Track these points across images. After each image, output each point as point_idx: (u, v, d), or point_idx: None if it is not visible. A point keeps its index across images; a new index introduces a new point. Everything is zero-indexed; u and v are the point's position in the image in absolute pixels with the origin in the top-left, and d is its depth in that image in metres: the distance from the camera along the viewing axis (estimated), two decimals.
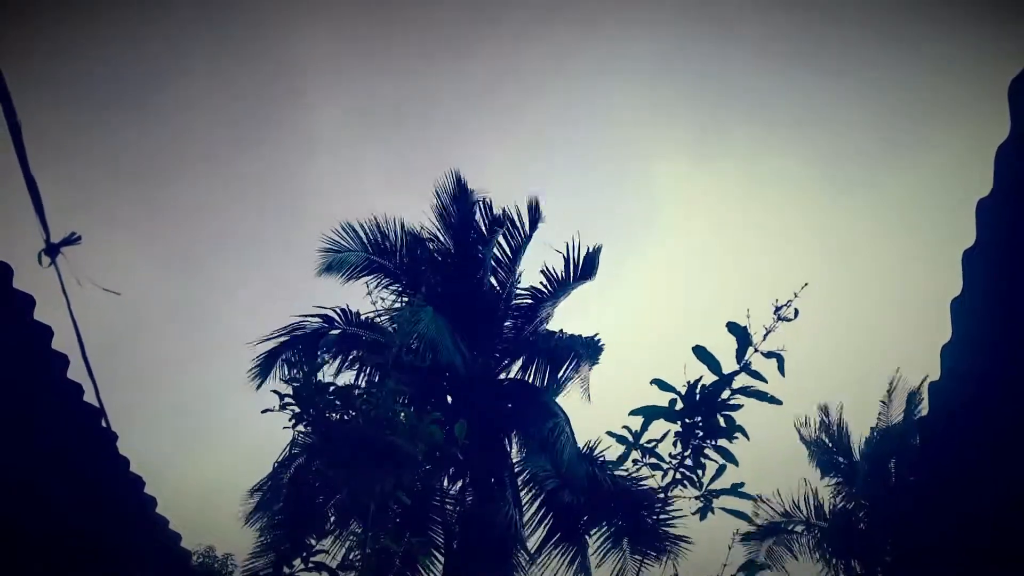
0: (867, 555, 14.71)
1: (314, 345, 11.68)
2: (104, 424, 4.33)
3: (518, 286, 13.52)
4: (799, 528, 15.61)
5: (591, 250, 13.36)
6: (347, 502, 4.97)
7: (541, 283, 13.44)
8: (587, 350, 12.93)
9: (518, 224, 13.33)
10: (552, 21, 22.26)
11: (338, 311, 12.09)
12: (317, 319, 11.96)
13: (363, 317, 12.32)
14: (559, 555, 11.83)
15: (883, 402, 15.98)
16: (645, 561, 11.33)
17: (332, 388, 5.04)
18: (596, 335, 13.15)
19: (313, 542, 4.70)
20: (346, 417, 5.00)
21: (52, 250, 3.39)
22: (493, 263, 13.33)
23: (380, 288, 13.10)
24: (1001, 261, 3.08)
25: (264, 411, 5.00)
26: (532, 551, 11.83)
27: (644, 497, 11.42)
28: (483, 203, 13.42)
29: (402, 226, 13.31)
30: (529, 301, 13.51)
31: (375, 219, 13.18)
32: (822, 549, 15.12)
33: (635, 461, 4.60)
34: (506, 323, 13.41)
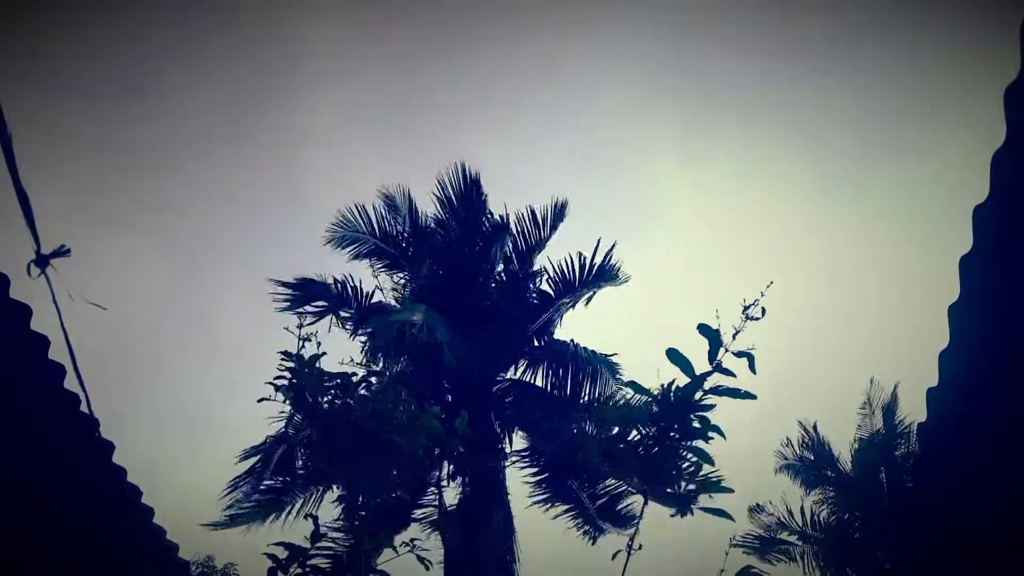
0: (863, 565, 14.73)
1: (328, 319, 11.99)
2: (98, 434, 4.32)
3: (529, 286, 13.40)
4: (794, 538, 15.63)
5: (608, 255, 12.92)
6: (346, 498, 4.90)
7: (550, 285, 13.30)
8: (605, 366, 12.68)
9: (536, 224, 13.14)
10: (545, 21, 22.36)
11: (351, 289, 12.15)
12: (332, 280, 12.15)
13: (373, 301, 12.60)
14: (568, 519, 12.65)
15: (861, 412, 16.07)
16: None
17: (328, 377, 4.92)
18: (612, 354, 12.90)
19: (307, 545, 4.60)
20: (347, 403, 4.89)
21: (42, 261, 3.39)
22: (502, 261, 13.26)
23: (384, 274, 13.15)
24: (998, 267, 3.10)
25: (260, 400, 4.87)
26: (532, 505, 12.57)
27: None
28: (489, 202, 13.30)
29: (414, 206, 13.26)
30: (536, 302, 13.38)
31: (383, 203, 13.14)
32: (817, 560, 15.13)
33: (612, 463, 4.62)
34: (511, 322, 13.26)
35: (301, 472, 11.40)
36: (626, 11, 21.96)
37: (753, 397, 4.19)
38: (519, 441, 13.06)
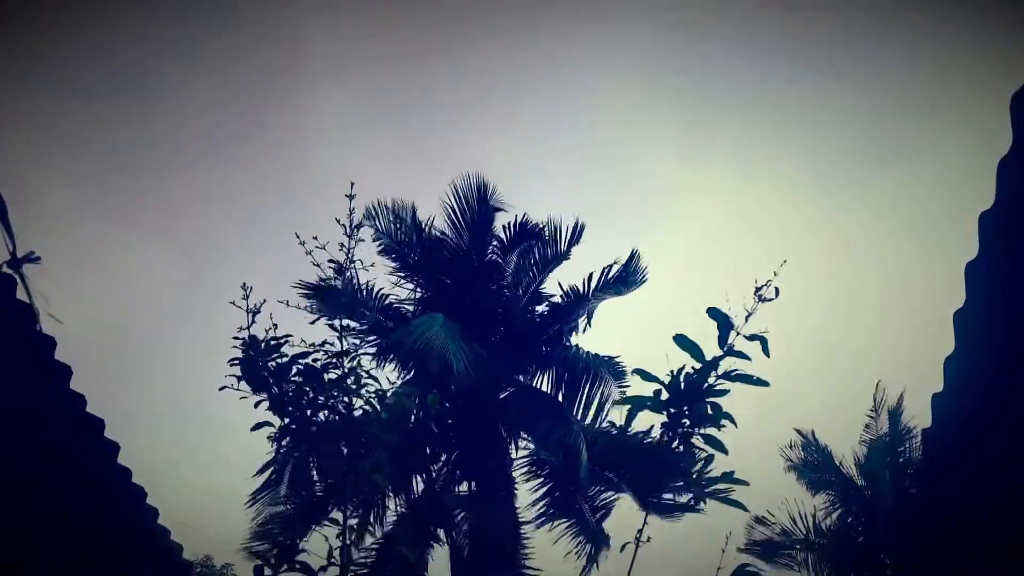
0: (867, 569, 14.70)
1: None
2: (103, 435, 4.33)
3: (540, 295, 13.37)
4: (798, 545, 15.60)
5: (630, 259, 12.95)
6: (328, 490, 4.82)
7: (562, 295, 13.26)
8: (608, 369, 12.60)
9: (553, 240, 13.14)
10: (545, 21, 22.35)
11: (363, 289, 12.04)
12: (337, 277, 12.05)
13: (386, 303, 12.58)
14: (566, 528, 12.46)
15: (871, 416, 16.04)
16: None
17: (296, 367, 4.64)
18: (616, 356, 12.81)
19: (299, 541, 4.57)
20: (320, 400, 4.75)
21: (15, 264, 3.43)
22: (514, 271, 13.22)
23: (397, 280, 13.12)
24: (1004, 274, 3.11)
25: (221, 388, 4.61)
26: (538, 526, 12.44)
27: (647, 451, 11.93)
28: (507, 213, 13.22)
29: (419, 222, 13.22)
30: (547, 311, 13.38)
31: (395, 207, 13.09)
32: (820, 565, 15.09)
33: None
34: (521, 330, 13.21)
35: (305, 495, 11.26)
36: (626, 11, 21.97)
37: (766, 384, 4.04)
38: (526, 448, 13.07)
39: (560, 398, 12.95)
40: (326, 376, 4.76)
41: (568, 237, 13.14)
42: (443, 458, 12.35)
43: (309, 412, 4.73)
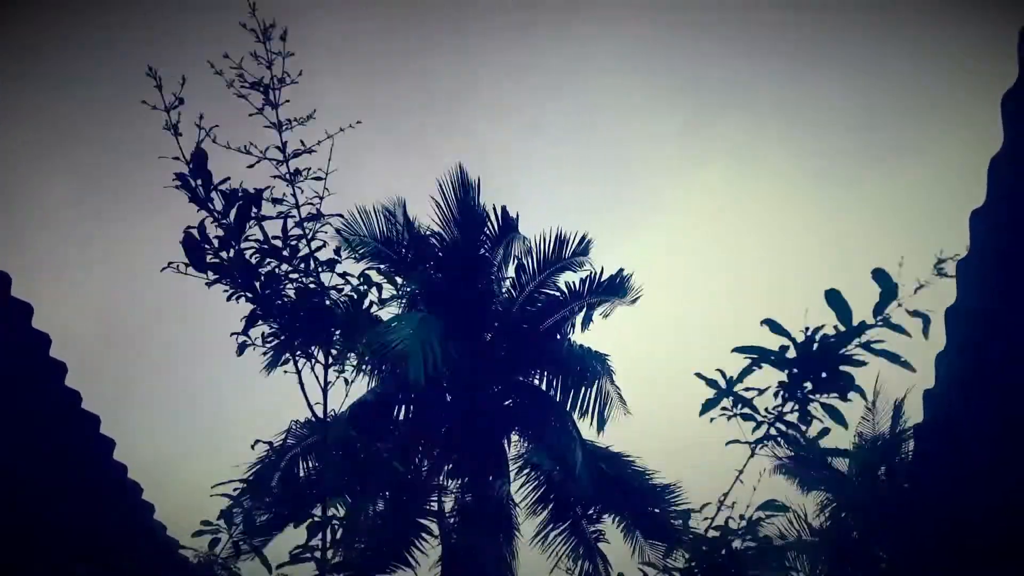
0: (862, 563, 14.69)
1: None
2: (99, 432, 4.34)
3: (534, 293, 13.36)
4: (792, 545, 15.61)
5: (618, 272, 13.09)
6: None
7: (558, 293, 13.32)
8: (600, 365, 12.64)
9: (561, 244, 13.21)
10: (544, 21, 22.32)
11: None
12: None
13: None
14: (561, 540, 12.34)
15: (868, 409, 16.02)
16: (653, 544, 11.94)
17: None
18: (605, 354, 12.85)
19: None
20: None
21: None
22: (504, 265, 13.29)
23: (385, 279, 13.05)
24: (995, 271, 3.13)
25: (162, 269, 4.59)
26: (533, 536, 12.38)
27: (650, 490, 12.13)
28: (496, 207, 13.24)
29: (410, 217, 13.22)
30: (541, 307, 13.39)
31: (382, 208, 13.10)
32: (814, 562, 15.08)
33: (724, 409, 4.13)
34: (515, 326, 13.23)
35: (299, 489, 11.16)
36: (626, 11, 21.97)
37: (912, 368, 3.60)
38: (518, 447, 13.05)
39: (556, 396, 12.94)
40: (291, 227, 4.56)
41: (571, 247, 13.16)
42: (435, 453, 12.35)
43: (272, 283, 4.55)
